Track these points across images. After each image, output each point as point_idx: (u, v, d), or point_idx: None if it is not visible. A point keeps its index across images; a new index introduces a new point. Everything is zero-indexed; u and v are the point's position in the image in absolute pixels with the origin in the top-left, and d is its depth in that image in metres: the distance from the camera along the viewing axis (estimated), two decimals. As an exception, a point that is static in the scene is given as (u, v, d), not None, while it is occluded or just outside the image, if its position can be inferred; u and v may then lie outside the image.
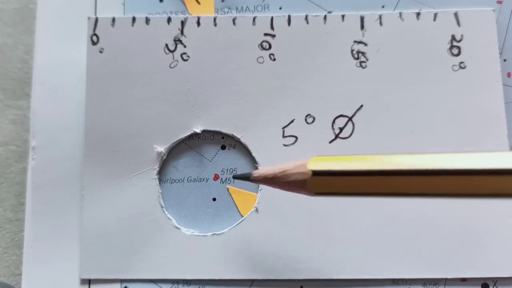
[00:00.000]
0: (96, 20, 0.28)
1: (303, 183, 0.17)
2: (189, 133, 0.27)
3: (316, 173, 0.17)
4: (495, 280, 0.25)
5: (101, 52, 0.28)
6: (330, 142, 0.27)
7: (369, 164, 0.16)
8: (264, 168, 0.19)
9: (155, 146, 0.27)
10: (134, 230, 0.26)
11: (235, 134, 0.27)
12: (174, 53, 0.27)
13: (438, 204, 0.26)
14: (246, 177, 0.20)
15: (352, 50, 0.27)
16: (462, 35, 0.27)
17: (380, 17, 0.27)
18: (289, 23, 0.27)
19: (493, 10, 0.27)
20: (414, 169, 0.15)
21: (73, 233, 0.27)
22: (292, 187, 0.18)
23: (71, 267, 0.27)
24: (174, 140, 0.27)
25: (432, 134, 0.26)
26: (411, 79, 0.27)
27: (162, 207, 0.27)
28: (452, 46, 0.27)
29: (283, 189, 0.18)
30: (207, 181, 0.27)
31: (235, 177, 0.22)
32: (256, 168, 0.27)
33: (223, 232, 0.26)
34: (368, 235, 0.26)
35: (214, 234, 0.26)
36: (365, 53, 0.27)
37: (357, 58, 0.27)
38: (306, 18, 0.27)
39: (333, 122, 0.27)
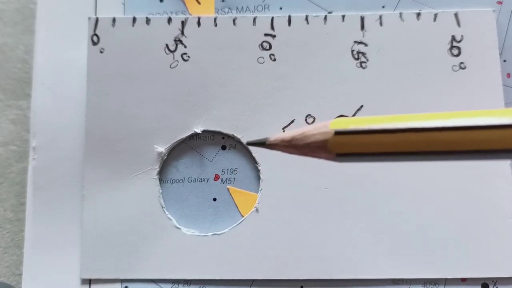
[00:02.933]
0: (97, 20, 0.28)
1: (324, 143, 0.16)
2: (190, 133, 0.27)
3: (338, 133, 0.16)
4: (495, 280, 0.25)
5: (101, 52, 0.28)
6: (330, 142, 0.27)
7: (393, 122, 0.15)
8: (281, 133, 0.18)
9: (156, 146, 0.27)
10: (135, 230, 0.26)
11: (235, 134, 0.27)
12: (175, 53, 0.27)
13: (438, 205, 0.26)
14: (261, 143, 0.19)
15: (352, 51, 0.27)
16: (462, 36, 0.27)
17: (381, 17, 0.27)
18: (289, 23, 0.27)
19: (493, 11, 0.27)
20: (439, 126, 0.15)
21: (73, 233, 0.27)
22: (312, 150, 0.17)
23: (72, 267, 0.27)
24: (175, 140, 0.27)
25: (432, 135, 0.26)
26: (411, 80, 0.27)
27: (162, 207, 0.27)
28: (452, 47, 0.27)
29: (302, 154, 0.18)
30: (207, 181, 0.27)
31: (249, 143, 0.20)
32: (257, 168, 0.27)
33: (223, 232, 0.26)
34: (368, 235, 0.26)
35: (214, 234, 0.26)
36: (365, 54, 0.27)
37: (357, 59, 0.27)
38: (306, 18, 0.27)
39: (333, 122, 0.27)
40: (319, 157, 0.17)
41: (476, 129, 0.14)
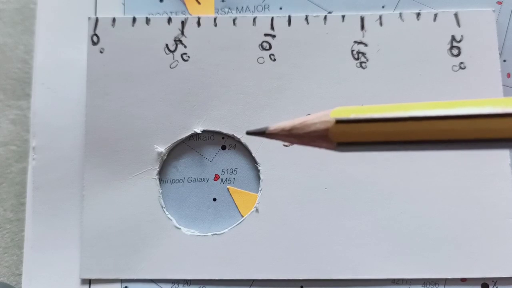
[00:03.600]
0: (97, 20, 0.28)
1: (325, 132, 0.16)
2: (190, 133, 0.27)
3: (339, 121, 0.16)
4: (495, 280, 0.25)
5: (101, 52, 0.28)
6: (330, 142, 0.27)
7: (395, 111, 0.15)
8: (281, 122, 0.18)
9: (156, 146, 0.27)
10: (135, 230, 0.26)
11: (235, 135, 0.27)
12: (174, 53, 0.27)
13: (438, 205, 0.26)
14: (261, 132, 0.18)
15: (352, 51, 0.27)
16: (462, 36, 0.27)
17: (380, 17, 0.27)
18: (289, 24, 0.27)
19: (493, 11, 0.27)
20: (441, 115, 0.15)
21: (73, 233, 0.27)
22: (313, 139, 0.17)
23: (72, 267, 0.27)
24: (175, 140, 0.27)
25: (432, 135, 0.26)
26: (411, 80, 0.27)
27: (162, 207, 0.27)
28: (452, 47, 0.27)
29: (302, 143, 0.17)
30: (207, 181, 0.27)
31: (249, 132, 0.20)
32: (257, 168, 0.27)
33: (223, 232, 0.26)
34: (368, 235, 0.26)
35: (214, 234, 0.26)
36: (365, 54, 0.27)
37: (357, 59, 0.27)
38: (306, 18, 0.27)
39: (333, 122, 0.27)
40: (320, 146, 0.17)
41: (478, 118, 0.14)
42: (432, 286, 0.26)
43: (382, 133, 0.15)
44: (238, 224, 0.26)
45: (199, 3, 0.29)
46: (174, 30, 0.28)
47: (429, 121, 0.15)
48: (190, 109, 0.27)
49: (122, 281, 0.26)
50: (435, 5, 0.28)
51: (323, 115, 0.16)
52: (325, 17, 0.27)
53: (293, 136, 0.17)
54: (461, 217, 0.26)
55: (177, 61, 0.27)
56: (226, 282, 0.26)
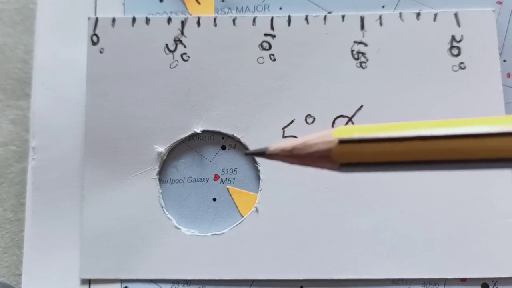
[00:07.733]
0: (96, 20, 0.28)
1: (327, 153, 0.16)
2: (189, 133, 0.27)
3: (342, 141, 0.15)
4: (495, 280, 0.25)
5: (101, 52, 0.28)
6: (330, 142, 0.27)
7: (400, 131, 0.15)
8: (281, 142, 0.18)
9: (155, 146, 0.27)
10: (135, 230, 0.26)
11: (235, 135, 0.27)
12: (174, 53, 0.27)
13: (438, 204, 0.26)
14: (260, 153, 0.18)
15: (352, 51, 0.27)
16: (462, 36, 0.27)
17: (380, 17, 0.27)
18: (289, 23, 0.27)
19: (493, 11, 0.27)
20: (449, 134, 0.14)
21: (73, 233, 0.27)
22: (315, 160, 0.16)
23: (71, 267, 0.27)
24: (174, 140, 0.27)
25: (432, 135, 0.26)
26: (411, 80, 0.27)
27: (162, 207, 0.27)
28: (452, 47, 0.27)
29: (303, 164, 0.17)
30: (207, 181, 0.27)
31: (248, 153, 0.20)
32: (257, 168, 0.27)
33: (223, 232, 0.26)
34: (368, 235, 0.26)
35: (214, 234, 0.26)
36: (365, 54, 0.27)
37: (357, 59, 0.27)
38: (306, 18, 0.27)
39: (333, 122, 0.27)
40: (322, 167, 0.16)
41: (488, 137, 0.14)
42: (432, 286, 0.26)
43: (387, 153, 0.15)
44: (238, 224, 0.26)
45: (199, 3, 0.29)
46: (174, 30, 0.28)
47: (437, 141, 0.14)
48: (190, 109, 0.27)
49: (122, 281, 0.26)
50: (435, 5, 0.28)
51: (325, 134, 0.16)
52: (325, 17, 0.27)
53: (294, 156, 0.17)
54: (461, 217, 0.26)
55: (177, 61, 0.27)
56: (226, 282, 0.26)
